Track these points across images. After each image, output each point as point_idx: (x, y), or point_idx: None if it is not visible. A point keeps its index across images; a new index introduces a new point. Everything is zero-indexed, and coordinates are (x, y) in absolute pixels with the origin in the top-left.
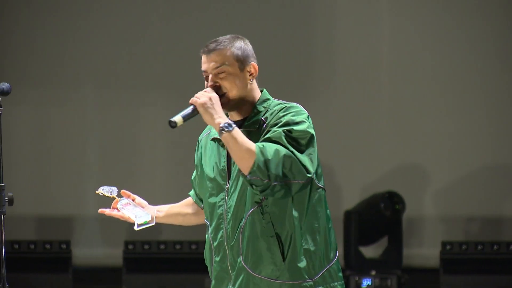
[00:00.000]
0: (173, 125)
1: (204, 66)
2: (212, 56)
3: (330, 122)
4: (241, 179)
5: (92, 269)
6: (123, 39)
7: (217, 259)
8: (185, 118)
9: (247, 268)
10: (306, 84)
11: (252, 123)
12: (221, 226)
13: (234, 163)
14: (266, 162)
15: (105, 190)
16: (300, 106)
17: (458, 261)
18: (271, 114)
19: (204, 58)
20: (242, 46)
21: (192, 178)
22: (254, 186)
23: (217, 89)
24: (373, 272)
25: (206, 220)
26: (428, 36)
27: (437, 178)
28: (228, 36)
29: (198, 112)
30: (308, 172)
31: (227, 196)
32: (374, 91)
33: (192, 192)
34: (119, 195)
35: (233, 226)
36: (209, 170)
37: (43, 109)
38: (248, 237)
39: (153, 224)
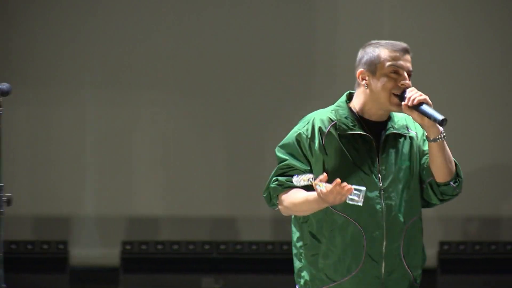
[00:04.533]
0: (445, 122)
1: (403, 63)
2: (408, 57)
3: None
4: (401, 183)
5: (89, 269)
6: (123, 38)
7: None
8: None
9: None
10: (308, 86)
11: (401, 127)
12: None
13: (386, 164)
14: (461, 173)
15: (300, 179)
16: None
17: (455, 261)
18: (403, 120)
19: (401, 54)
20: None
21: (307, 169)
22: (442, 195)
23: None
24: None
25: (341, 212)
26: (428, 37)
27: None
28: None
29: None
30: None
31: (382, 196)
32: None
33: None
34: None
35: (399, 227)
36: (361, 162)
37: (40, 108)
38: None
39: (361, 204)
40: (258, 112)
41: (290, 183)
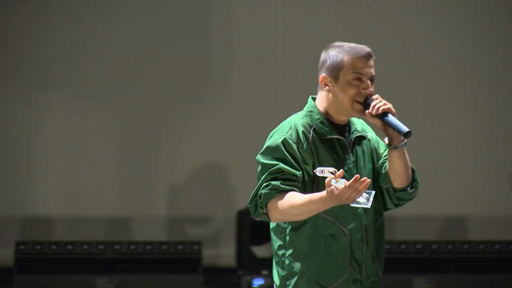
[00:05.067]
0: (410, 134)
1: (364, 69)
2: (370, 62)
3: (225, 122)
4: (370, 185)
5: None
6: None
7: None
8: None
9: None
10: (202, 89)
11: (362, 130)
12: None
13: (358, 167)
14: (418, 177)
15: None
16: None
17: None
18: (360, 122)
19: (364, 60)
20: None
21: (297, 173)
22: (398, 200)
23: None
24: (265, 272)
25: (328, 216)
26: (319, 34)
27: None
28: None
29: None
30: None
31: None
32: (269, 92)
33: (301, 186)
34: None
35: (374, 230)
36: (341, 167)
37: None
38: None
39: (369, 206)
40: (152, 114)
41: (286, 186)
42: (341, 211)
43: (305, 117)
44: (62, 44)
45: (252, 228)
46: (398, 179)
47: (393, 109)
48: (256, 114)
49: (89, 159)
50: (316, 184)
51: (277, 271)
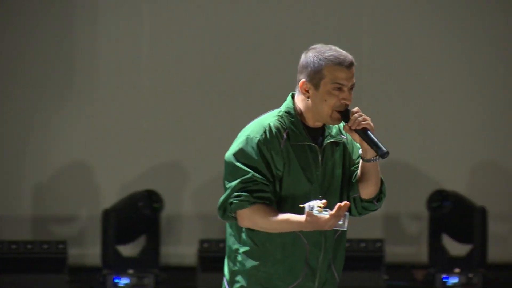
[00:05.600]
0: (387, 154)
1: (344, 80)
2: (352, 70)
3: (91, 121)
4: (335, 192)
5: None
6: None
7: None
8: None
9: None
10: (68, 84)
11: (336, 133)
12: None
13: (325, 174)
14: (385, 189)
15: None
16: None
17: (215, 259)
18: (335, 126)
19: (346, 70)
20: None
21: (269, 183)
22: (363, 209)
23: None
24: (131, 271)
25: None
26: (185, 32)
27: (196, 177)
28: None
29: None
30: None
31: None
32: (134, 92)
33: (272, 197)
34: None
35: (333, 237)
36: (308, 174)
37: None
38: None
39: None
40: (17, 113)
41: (257, 200)
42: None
43: (280, 118)
44: None
45: (118, 227)
46: (367, 190)
47: (371, 124)
48: (121, 114)
49: None
50: (280, 185)
51: (228, 265)
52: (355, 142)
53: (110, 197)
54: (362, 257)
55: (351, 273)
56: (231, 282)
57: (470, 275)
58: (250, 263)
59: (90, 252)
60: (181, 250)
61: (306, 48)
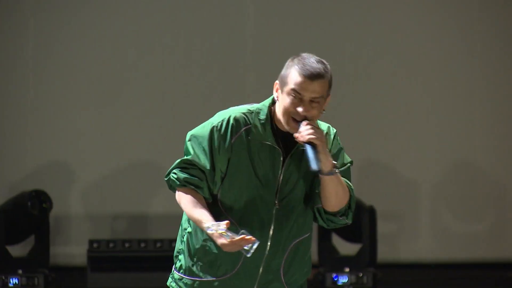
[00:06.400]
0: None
1: (302, 91)
2: (315, 84)
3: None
4: (297, 201)
5: None
6: None
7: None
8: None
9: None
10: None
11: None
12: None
13: (287, 181)
14: (354, 206)
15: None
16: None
17: (104, 259)
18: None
19: (306, 81)
20: (331, 75)
21: (206, 170)
22: (329, 222)
23: (305, 118)
24: (20, 271)
25: (232, 218)
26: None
27: (84, 176)
28: (324, 61)
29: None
30: None
31: (276, 213)
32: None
33: (203, 186)
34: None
35: (285, 245)
36: (260, 174)
37: None
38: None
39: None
40: None
41: (186, 183)
42: (245, 217)
43: (247, 113)
44: None
45: (6, 227)
46: (328, 203)
47: (319, 140)
48: (5, 113)
49: None
50: (224, 178)
51: (177, 241)
52: (336, 154)
53: (1, 197)
54: None
55: None
56: (176, 257)
57: (360, 274)
58: (192, 245)
59: None
60: (70, 250)
61: (308, 50)
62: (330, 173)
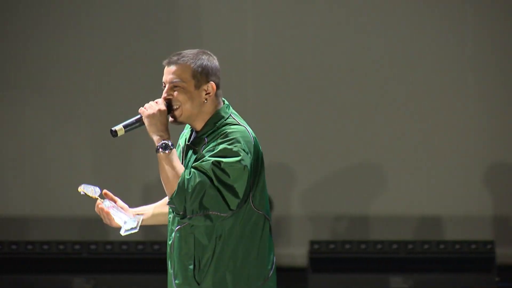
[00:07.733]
0: (113, 134)
1: (164, 77)
2: (171, 68)
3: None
4: None
5: None
6: None
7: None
8: (127, 128)
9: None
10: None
11: (198, 140)
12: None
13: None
14: (186, 195)
15: (88, 189)
16: (244, 130)
17: (326, 260)
18: (214, 136)
19: (165, 68)
20: (204, 63)
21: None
22: (174, 212)
23: (169, 102)
24: None
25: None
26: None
27: (304, 177)
28: (194, 51)
29: (143, 123)
30: (230, 207)
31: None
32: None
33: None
34: (102, 196)
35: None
36: None
37: None
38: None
39: (137, 230)
40: None
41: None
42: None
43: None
44: None
45: None
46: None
47: (143, 114)
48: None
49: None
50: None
51: None
52: (212, 146)
53: None
54: (472, 258)
55: (462, 275)
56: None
57: None
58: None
59: None
60: (291, 251)
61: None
62: (156, 149)
